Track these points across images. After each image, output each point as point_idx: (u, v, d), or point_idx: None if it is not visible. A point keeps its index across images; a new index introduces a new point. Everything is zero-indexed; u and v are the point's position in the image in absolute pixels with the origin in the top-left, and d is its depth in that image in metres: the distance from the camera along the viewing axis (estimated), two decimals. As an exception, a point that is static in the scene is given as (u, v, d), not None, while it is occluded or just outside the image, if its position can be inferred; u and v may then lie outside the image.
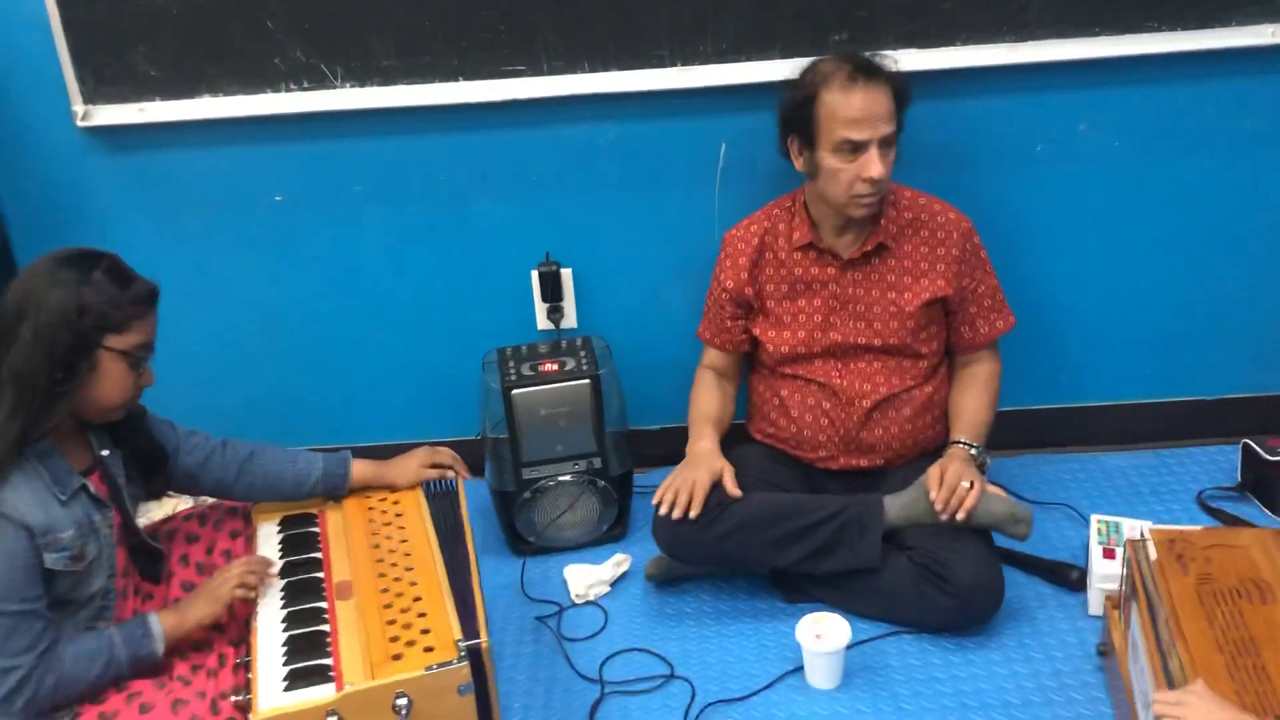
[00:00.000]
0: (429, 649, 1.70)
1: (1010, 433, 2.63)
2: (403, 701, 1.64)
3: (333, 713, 1.61)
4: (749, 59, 2.31)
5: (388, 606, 1.82)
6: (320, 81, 2.35)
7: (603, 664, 2.08)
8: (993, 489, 2.09)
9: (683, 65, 2.33)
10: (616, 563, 2.31)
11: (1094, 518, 2.24)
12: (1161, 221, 2.46)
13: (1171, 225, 2.46)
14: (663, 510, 2.10)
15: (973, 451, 2.17)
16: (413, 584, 1.86)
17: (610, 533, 2.41)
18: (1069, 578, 2.16)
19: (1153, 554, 1.81)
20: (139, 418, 1.95)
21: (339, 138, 2.42)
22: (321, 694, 1.64)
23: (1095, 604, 2.09)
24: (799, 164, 2.15)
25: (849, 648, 2.04)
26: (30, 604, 1.68)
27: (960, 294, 2.23)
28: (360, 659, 1.71)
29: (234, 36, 2.32)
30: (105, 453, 1.86)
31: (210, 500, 2.16)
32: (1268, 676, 1.54)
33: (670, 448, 2.61)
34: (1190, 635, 1.63)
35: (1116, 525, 2.22)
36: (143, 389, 1.81)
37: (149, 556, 1.97)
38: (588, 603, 2.25)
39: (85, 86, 2.37)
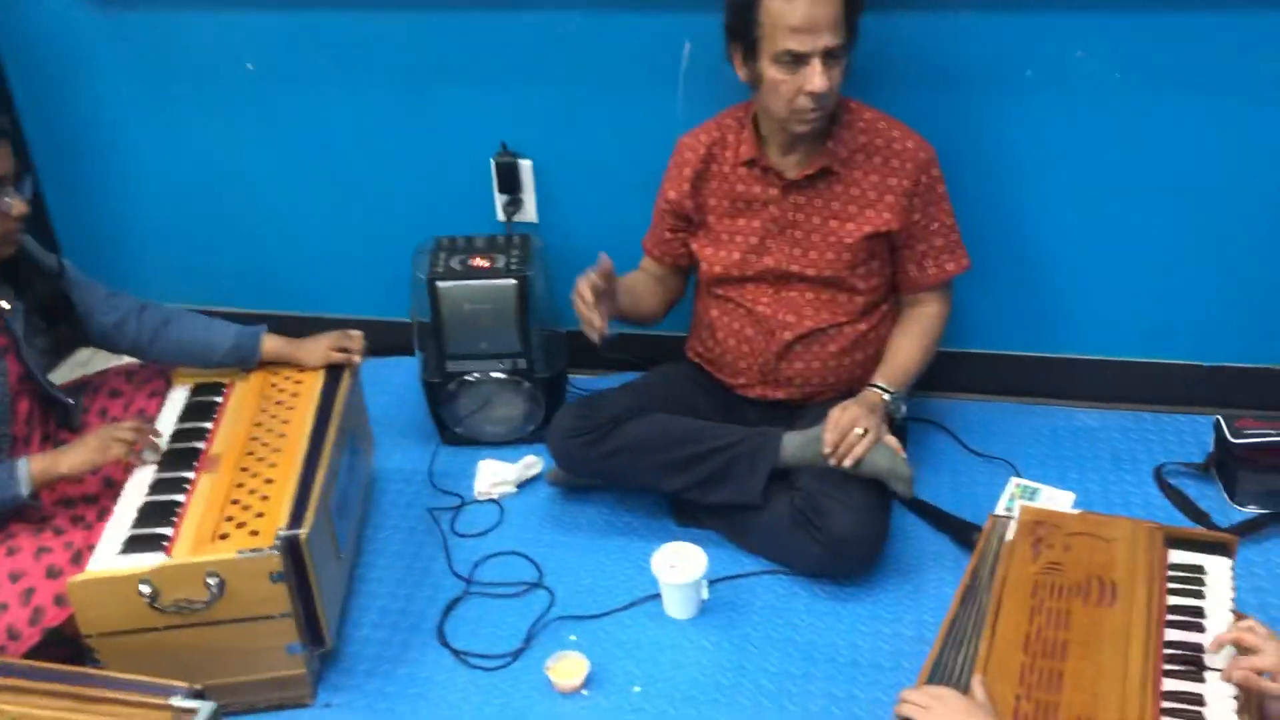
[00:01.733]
0: (254, 533, 1.76)
1: (979, 376, 2.50)
2: (213, 581, 1.70)
3: (146, 581, 1.69)
4: (714, -46, 2.16)
5: (239, 486, 1.87)
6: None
7: (478, 563, 2.11)
8: (888, 439, 1.98)
9: (646, -44, 2.21)
10: (526, 464, 2.31)
11: (1013, 480, 2.10)
12: (1163, 166, 2.21)
13: (1174, 171, 2.21)
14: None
15: (886, 397, 2.05)
16: (272, 465, 1.91)
17: (536, 433, 2.40)
18: (970, 539, 2.05)
19: (1009, 533, 1.70)
20: (49, 273, 2.03)
21: (307, 9, 2.40)
22: (146, 562, 1.72)
23: (986, 572, 1.98)
24: (742, 74, 2.02)
25: (716, 581, 2.01)
26: (-97, 445, 1.80)
27: (908, 230, 2.08)
28: (194, 533, 1.77)
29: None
30: (4, 305, 1.94)
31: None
32: (1060, 685, 1.43)
33: (617, 352, 2.58)
34: (1002, 628, 1.53)
35: (1034, 492, 2.08)
36: (16, 220, 1.84)
37: (61, 407, 2.08)
38: (490, 500, 2.27)
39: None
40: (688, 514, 2.17)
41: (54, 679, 1.51)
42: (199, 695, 1.47)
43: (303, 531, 1.73)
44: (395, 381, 2.62)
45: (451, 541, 2.17)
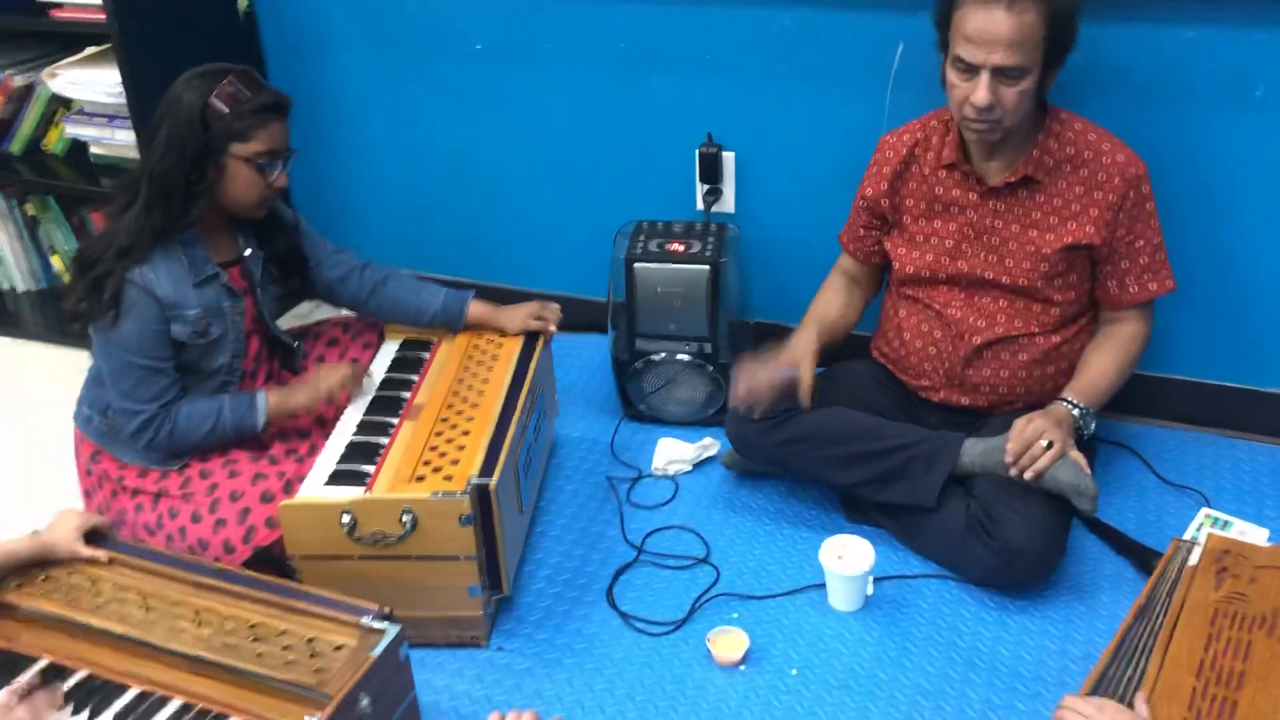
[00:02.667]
0: (448, 478, 1.88)
1: (1178, 404, 2.41)
2: (407, 518, 1.82)
3: (348, 511, 1.83)
4: (935, -45, 2.16)
5: (438, 434, 2.00)
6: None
7: (649, 534, 2.18)
8: (1073, 454, 1.94)
9: (866, -45, 2.23)
10: (704, 445, 2.37)
11: (1203, 510, 2.02)
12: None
13: None
14: (732, 402, 2.13)
15: (1075, 412, 2.01)
16: (469, 419, 2.03)
17: (714, 417, 2.45)
18: (1149, 564, 1.98)
19: (1194, 558, 1.65)
20: (289, 227, 2.21)
21: (535, -7, 2.54)
22: (349, 494, 1.86)
23: (1165, 600, 1.92)
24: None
25: (882, 579, 2.02)
26: (156, 362, 2.00)
27: (1111, 245, 2.04)
28: (393, 473, 1.91)
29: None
30: (248, 252, 2.13)
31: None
32: (1232, 715, 1.39)
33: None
34: (1175, 651, 1.49)
35: (1226, 524, 2.00)
36: (277, 190, 2.03)
37: (285, 350, 2.27)
38: (665, 476, 2.34)
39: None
40: (859, 510, 2.18)
41: (263, 588, 1.66)
42: (387, 618, 1.59)
43: (493, 481, 1.84)
44: (587, 357, 2.73)
45: (626, 510, 2.25)
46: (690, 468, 2.35)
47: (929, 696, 1.80)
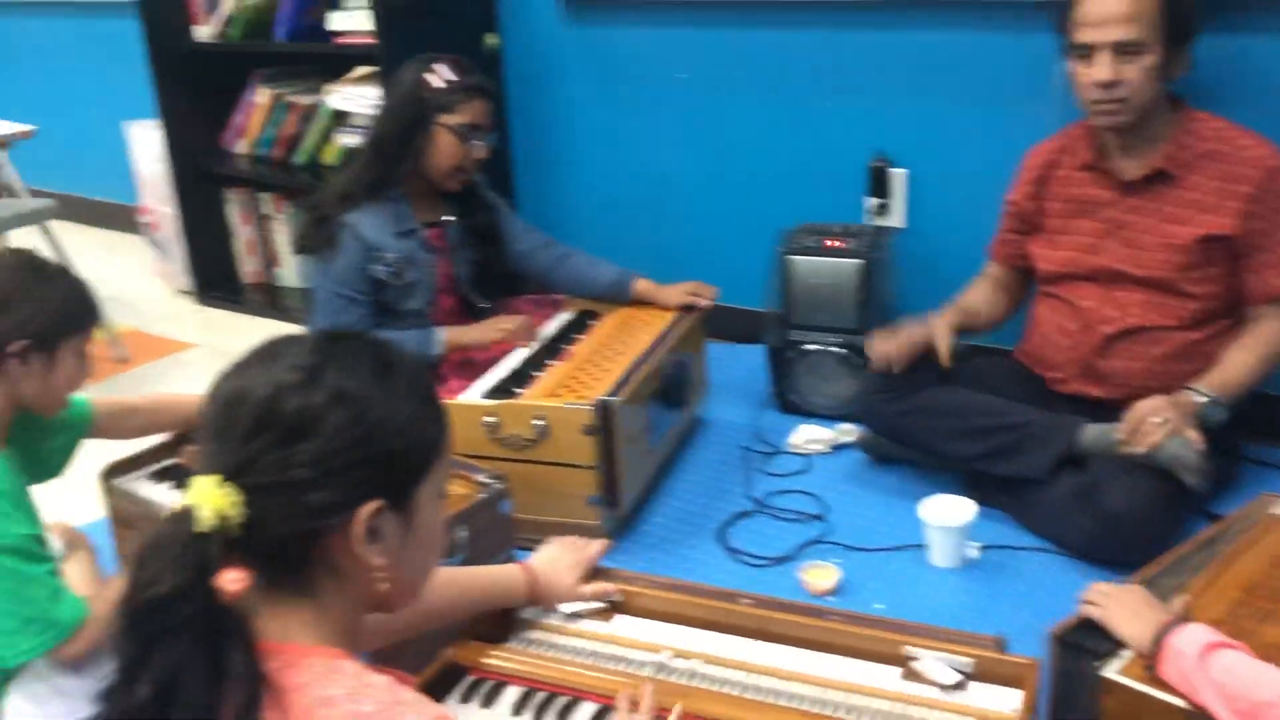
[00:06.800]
0: (581, 396, 2.11)
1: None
2: (540, 423, 2.06)
3: (491, 414, 2.09)
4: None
5: (582, 370, 2.25)
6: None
7: (772, 493, 2.31)
8: (1189, 433, 1.93)
9: (1032, -23, 2.39)
10: (842, 430, 2.48)
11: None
12: None
13: None
14: (868, 353, 2.27)
15: (1199, 399, 2.00)
16: (613, 361, 2.27)
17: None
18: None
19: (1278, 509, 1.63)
20: (489, 206, 2.56)
21: (733, 26, 2.83)
22: (495, 402, 2.13)
23: None
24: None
25: (990, 547, 2.05)
26: (355, 294, 2.36)
27: (1249, 237, 2.05)
28: (536, 391, 2.17)
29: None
30: (448, 219, 2.49)
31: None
32: (1268, 619, 1.38)
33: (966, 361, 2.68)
34: (1234, 570, 1.49)
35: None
36: (476, 160, 2.39)
37: (477, 313, 2.60)
38: (801, 453, 2.46)
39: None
40: (980, 491, 2.22)
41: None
42: (497, 478, 1.82)
43: (616, 400, 2.05)
44: (750, 362, 2.90)
45: (755, 476, 2.39)
46: (827, 449, 2.47)
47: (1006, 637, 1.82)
